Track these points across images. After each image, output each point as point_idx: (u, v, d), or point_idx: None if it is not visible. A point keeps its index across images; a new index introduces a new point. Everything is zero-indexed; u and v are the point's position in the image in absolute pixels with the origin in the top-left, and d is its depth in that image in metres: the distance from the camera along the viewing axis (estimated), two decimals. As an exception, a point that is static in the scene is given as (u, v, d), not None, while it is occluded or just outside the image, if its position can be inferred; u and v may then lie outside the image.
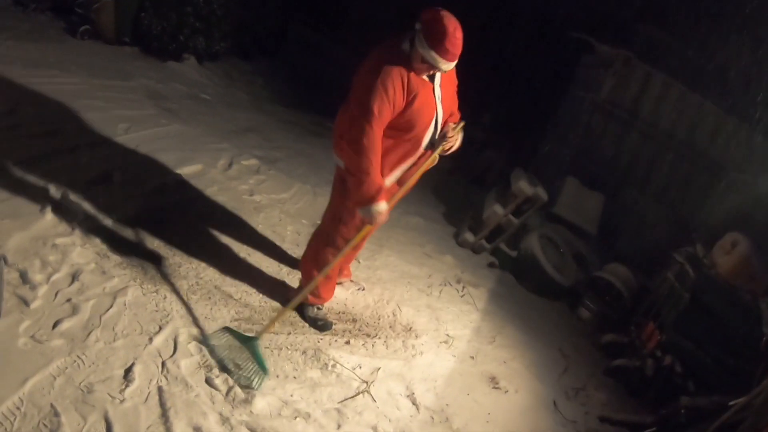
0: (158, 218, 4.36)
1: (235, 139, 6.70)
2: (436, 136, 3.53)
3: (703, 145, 7.48)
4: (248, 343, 3.37)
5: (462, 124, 3.60)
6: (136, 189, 4.61)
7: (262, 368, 3.27)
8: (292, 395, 3.27)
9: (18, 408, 2.53)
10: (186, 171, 5.25)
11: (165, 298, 3.54)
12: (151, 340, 3.19)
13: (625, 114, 7.79)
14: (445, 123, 3.55)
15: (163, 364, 3.08)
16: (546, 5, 11.16)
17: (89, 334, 3.06)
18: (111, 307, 3.30)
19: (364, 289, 4.59)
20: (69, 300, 3.23)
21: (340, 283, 4.44)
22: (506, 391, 4.14)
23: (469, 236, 6.40)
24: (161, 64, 8.62)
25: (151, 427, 2.71)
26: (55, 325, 3.03)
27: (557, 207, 7.12)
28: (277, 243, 4.73)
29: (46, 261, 3.43)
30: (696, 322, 5.02)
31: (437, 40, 3.10)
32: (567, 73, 9.42)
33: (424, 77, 3.30)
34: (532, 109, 10.24)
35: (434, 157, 3.57)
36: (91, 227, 3.89)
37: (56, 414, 2.57)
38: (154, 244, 4.03)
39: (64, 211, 3.93)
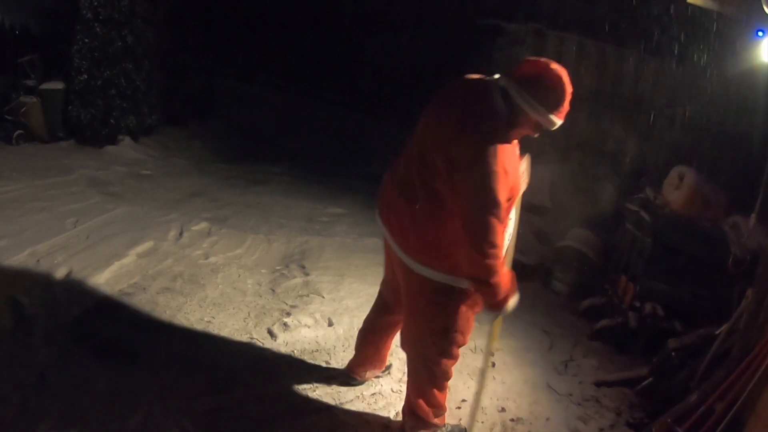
0: (118, 303, 4.39)
1: (182, 208, 6.76)
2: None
3: (629, 90, 7.56)
4: None
5: (528, 156, 3.13)
6: (93, 280, 4.62)
7: None
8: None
9: None
10: (138, 250, 5.29)
11: (136, 378, 3.53)
12: (127, 422, 3.17)
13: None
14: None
15: (145, 447, 3.08)
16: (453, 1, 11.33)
17: (65, 428, 3.05)
18: (82, 398, 3.29)
19: (389, 373, 4.05)
20: (39, 400, 3.21)
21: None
22: (494, 379, 4.16)
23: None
24: (98, 150, 8.76)
25: None
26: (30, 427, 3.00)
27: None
28: (240, 298, 4.74)
29: (10, 366, 3.44)
30: (664, 263, 5.07)
31: (558, 102, 2.66)
32: (485, 60, 9.50)
33: None
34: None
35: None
36: (54, 325, 3.92)
37: None
38: (117, 329, 4.05)
39: (24, 316, 3.97)
